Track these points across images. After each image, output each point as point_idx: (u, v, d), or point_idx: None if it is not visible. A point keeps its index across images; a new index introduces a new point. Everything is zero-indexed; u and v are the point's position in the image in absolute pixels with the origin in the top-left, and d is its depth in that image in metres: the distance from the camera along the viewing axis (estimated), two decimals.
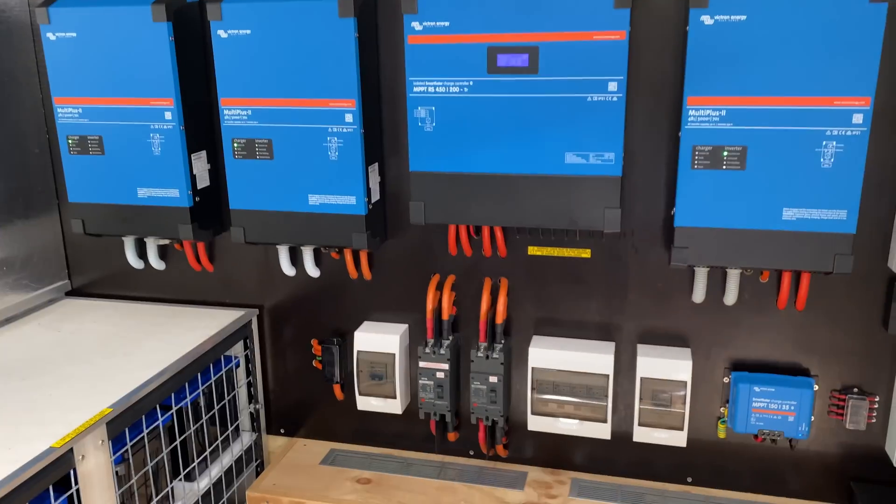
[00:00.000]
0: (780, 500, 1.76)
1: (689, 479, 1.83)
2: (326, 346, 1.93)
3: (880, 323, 1.62)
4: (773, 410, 1.64)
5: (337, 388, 1.98)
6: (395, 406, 1.88)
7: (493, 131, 1.56)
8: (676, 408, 1.69)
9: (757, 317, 1.68)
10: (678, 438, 1.71)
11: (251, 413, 2.02)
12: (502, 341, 1.77)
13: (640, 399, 1.70)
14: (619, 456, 1.86)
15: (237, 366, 1.95)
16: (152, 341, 1.79)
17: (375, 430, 2.02)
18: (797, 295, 1.61)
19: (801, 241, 1.47)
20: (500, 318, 1.75)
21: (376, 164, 1.75)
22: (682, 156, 1.48)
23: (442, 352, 1.79)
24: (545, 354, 1.75)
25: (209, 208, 1.88)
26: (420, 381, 1.81)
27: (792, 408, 1.63)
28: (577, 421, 1.75)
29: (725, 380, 1.73)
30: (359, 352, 1.86)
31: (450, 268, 1.84)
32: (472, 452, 1.96)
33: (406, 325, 1.90)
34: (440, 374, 1.80)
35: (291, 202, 1.72)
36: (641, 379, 1.69)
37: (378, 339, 1.85)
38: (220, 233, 1.94)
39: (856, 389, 1.66)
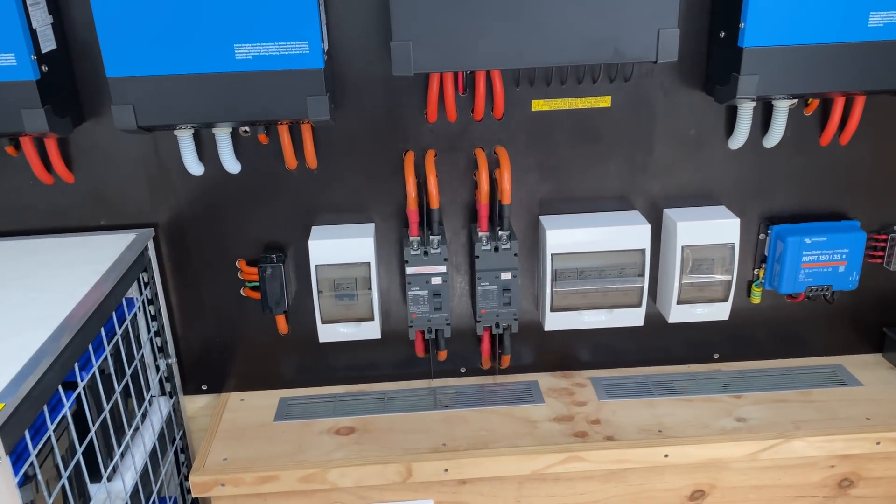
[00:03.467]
0: (813, 360, 1.60)
1: (716, 356, 1.61)
2: (265, 266, 1.42)
3: None
4: (824, 263, 1.44)
5: (281, 321, 1.49)
6: (371, 330, 1.43)
7: None
8: (721, 276, 1.43)
9: (796, 158, 1.44)
10: (721, 311, 1.46)
11: (162, 372, 1.48)
12: (510, 228, 1.38)
13: (682, 271, 1.41)
14: (630, 344, 1.59)
15: (137, 311, 1.38)
16: (13, 292, 1.17)
17: (335, 364, 1.57)
18: (844, 126, 1.39)
19: (887, 52, 1.22)
20: (506, 198, 1.35)
21: None
22: None
23: (435, 251, 1.36)
24: (567, 236, 1.39)
25: (61, 84, 1.25)
26: (409, 293, 1.38)
27: (843, 257, 1.44)
28: (605, 311, 1.44)
29: (762, 237, 1.50)
30: (318, 267, 1.38)
31: (427, 141, 1.39)
32: (463, 370, 1.59)
33: (372, 225, 1.44)
34: (436, 280, 1.38)
35: (208, 59, 1.16)
36: (683, 248, 1.40)
37: (344, 246, 1.37)
38: (81, 123, 1.32)
39: None
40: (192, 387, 1.56)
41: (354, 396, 1.54)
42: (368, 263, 1.38)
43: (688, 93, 1.38)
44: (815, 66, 1.22)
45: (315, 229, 1.42)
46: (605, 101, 1.37)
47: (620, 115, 1.38)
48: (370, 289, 1.39)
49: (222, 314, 1.50)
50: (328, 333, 1.43)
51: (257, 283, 1.44)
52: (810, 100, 1.38)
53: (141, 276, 1.39)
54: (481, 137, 1.39)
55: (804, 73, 1.23)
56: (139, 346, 1.34)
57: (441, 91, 1.31)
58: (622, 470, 1.38)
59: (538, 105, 1.37)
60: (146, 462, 1.32)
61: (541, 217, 1.44)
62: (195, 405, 1.58)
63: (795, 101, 1.36)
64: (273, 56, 1.16)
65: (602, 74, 1.34)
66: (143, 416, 1.36)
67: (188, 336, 1.52)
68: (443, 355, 1.51)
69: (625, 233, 1.39)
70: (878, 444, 1.36)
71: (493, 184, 1.37)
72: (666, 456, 1.35)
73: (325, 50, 1.21)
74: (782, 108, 1.36)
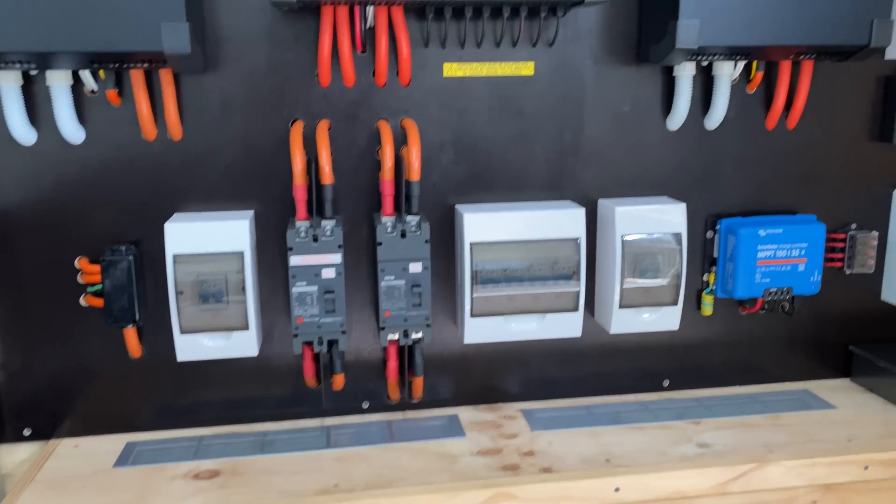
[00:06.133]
0: (775, 386, 1.38)
1: (666, 383, 1.36)
2: (108, 260, 1.12)
3: (876, 136, 1.31)
4: (782, 260, 1.25)
5: (131, 337, 1.17)
6: (245, 344, 1.13)
7: None
8: (669, 275, 1.21)
9: (741, 144, 1.28)
10: (670, 318, 1.24)
11: None
12: (418, 212, 1.14)
13: (623, 270, 1.19)
14: (566, 372, 1.33)
15: None
16: None
17: (202, 399, 1.24)
18: (791, 107, 1.25)
19: (836, 4, 1.09)
20: (414, 175, 1.12)
21: None
22: None
23: (327, 237, 1.10)
24: (488, 222, 1.16)
25: None
26: (294, 290, 1.10)
27: (802, 252, 1.26)
28: (537, 316, 1.19)
29: (709, 234, 1.30)
30: (176, 258, 1.09)
31: (319, 109, 1.16)
32: (366, 405, 1.29)
33: (251, 212, 1.17)
34: (328, 273, 1.11)
35: None
36: (623, 241, 1.19)
37: (211, 230, 1.10)
38: None
39: (854, 226, 1.34)
40: (11, 432, 1.20)
41: (224, 438, 1.21)
42: (242, 254, 1.10)
43: (620, 64, 1.21)
44: (760, 15, 1.08)
45: (177, 216, 1.14)
46: (527, 69, 1.19)
47: (545, 85, 1.20)
48: (244, 289, 1.11)
49: (56, 332, 1.18)
50: (189, 348, 1.12)
51: (101, 287, 1.13)
52: (753, 73, 1.23)
53: None
54: (385, 107, 1.17)
55: (750, 23, 1.08)
56: None
57: (335, 47, 1.10)
58: None
59: (451, 69, 1.17)
60: None
61: (457, 206, 1.21)
62: (14, 457, 1.21)
63: (738, 71, 1.22)
64: None
65: (522, 35, 1.17)
66: None
67: (9, 361, 1.18)
68: (339, 381, 1.21)
69: (556, 218, 1.17)
70: (865, 468, 1.13)
71: (399, 163, 1.14)
72: (617, 490, 1.08)
73: None
74: (724, 80, 1.21)
